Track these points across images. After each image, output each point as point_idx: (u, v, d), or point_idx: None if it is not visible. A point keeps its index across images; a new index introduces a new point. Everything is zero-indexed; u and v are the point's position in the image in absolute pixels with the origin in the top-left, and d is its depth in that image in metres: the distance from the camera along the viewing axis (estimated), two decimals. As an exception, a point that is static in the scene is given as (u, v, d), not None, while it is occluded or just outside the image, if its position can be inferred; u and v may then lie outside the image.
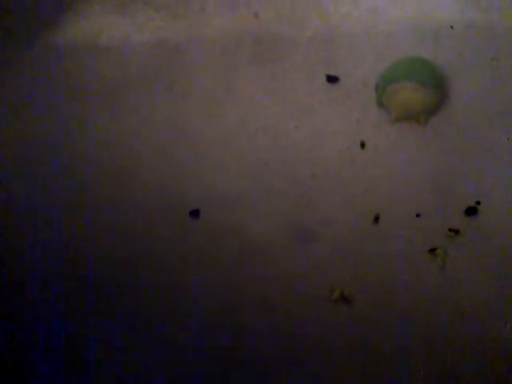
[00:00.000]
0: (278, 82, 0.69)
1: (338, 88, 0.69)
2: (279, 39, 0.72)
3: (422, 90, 0.62)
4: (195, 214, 0.64)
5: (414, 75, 0.62)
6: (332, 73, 0.69)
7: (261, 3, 0.74)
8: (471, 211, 0.60)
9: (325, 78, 0.69)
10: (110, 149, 0.68)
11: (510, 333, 0.56)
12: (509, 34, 0.68)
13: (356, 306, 0.59)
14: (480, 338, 0.56)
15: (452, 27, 0.70)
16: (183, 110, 0.69)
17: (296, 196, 0.64)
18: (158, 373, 0.59)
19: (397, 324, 0.57)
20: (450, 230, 0.60)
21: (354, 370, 0.57)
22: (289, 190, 0.64)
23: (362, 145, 0.65)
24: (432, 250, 0.59)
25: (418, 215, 0.61)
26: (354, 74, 0.69)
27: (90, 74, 0.71)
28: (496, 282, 0.58)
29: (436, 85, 0.63)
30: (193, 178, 0.66)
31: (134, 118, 0.70)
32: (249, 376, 0.58)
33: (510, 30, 0.69)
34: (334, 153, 0.65)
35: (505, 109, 0.64)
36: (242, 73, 0.70)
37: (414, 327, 0.57)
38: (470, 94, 0.66)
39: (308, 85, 0.69)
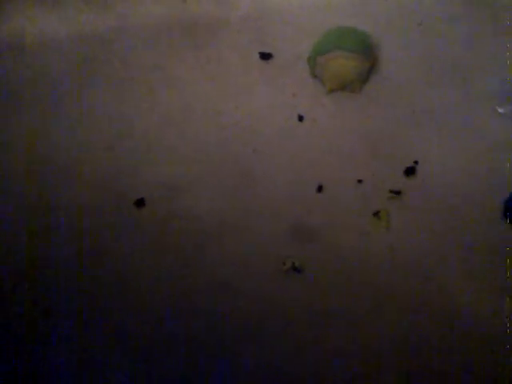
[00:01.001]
0: (213, 64, 0.69)
1: (273, 64, 0.69)
2: (210, 22, 0.71)
3: (353, 57, 0.63)
4: (140, 203, 0.64)
5: (344, 44, 0.63)
6: (265, 50, 0.69)
7: (189, -13, 0.74)
8: (410, 171, 0.62)
9: (258, 56, 0.69)
10: (45, 145, 0.66)
11: (452, 283, 0.58)
12: (434, 1, 0.71)
13: (307, 274, 0.60)
14: (427, 293, 0.58)
15: (377, -5, 0.71)
16: (121, 100, 0.68)
17: (240, 173, 0.64)
18: (115, 361, 0.59)
19: (347, 287, 0.59)
20: (391, 191, 0.61)
21: (311, 334, 0.58)
22: (233, 167, 0.64)
23: (300, 118, 0.66)
24: (376, 213, 0.61)
25: (359, 181, 0.63)
26: (286, 49, 0.69)
27: (17, 71, 0.70)
28: (438, 237, 0.59)
29: (366, 52, 0.64)
30: (136, 167, 0.65)
31: (71, 112, 0.68)
32: (209, 356, 0.58)
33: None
34: (273, 128, 0.66)
35: (433, 71, 0.66)
36: (177, 58, 0.69)
37: (364, 289, 0.58)
38: (399, 59, 0.67)
39: (243, 64, 0.69)
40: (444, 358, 0.56)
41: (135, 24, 0.72)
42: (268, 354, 0.57)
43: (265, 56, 0.69)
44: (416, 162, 0.62)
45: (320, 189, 0.63)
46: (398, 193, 0.61)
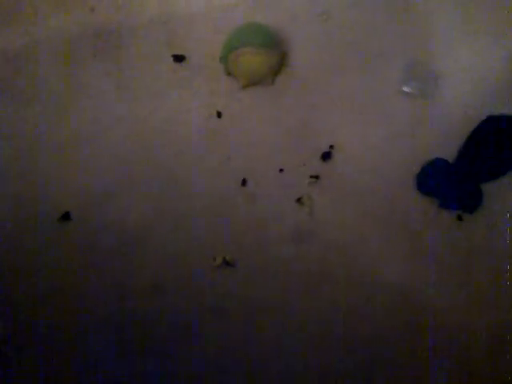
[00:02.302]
0: (125, 71, 0.69)
1: (186, 66, 0.70)
2: (119, 29, 0.71)
3: (261, 52, 0.65)
4: (66, 217, 0.63)
5: (251, 40, 0.65)
6: (177, 52, 0.70)
7: (96, -3, 0.74)
8: (327, 156, 0.64)
9: (171, 59, 0.70)
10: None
11: (374, 257, 0.61)
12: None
13: (239, 267, 0.61)
14: (354, 271, 0.60)
15: (281, -10, 0.73)
16: (32, 116, 0.67)
17: (164, 177, 0.65)
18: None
19: (277, 276, 0.60)
20: (311, 177, 0.64)
21: (248, 328, 0.59)
22: (156, 172, 0.65)
23: (219, 115, 0.67)
24: (298, 199, 0.63)
25: (281, 170, 0.64)
26: (198, 50, 0.70)
27: None
28: (358, 216, 0.62)
29: (273, 45, 0.66)
30: (57, 182, 0.65)
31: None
32: (144, 356, 0.58)
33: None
34: (193, 128, 0.67)
35: (340, 57, 0.69)
36: (88, 68, 0.69)
37: (293, 276, 0.60)
38: (307, 49, 0.69)
39: (156, 69, 0.69)
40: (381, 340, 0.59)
41: (44, 38, 0.71)
42: (204, 352, 0.58)
43: (178, 58, 0.70)
44: (331, 147, 0.65)
45: (244, 182, 0.64)
46: (316, 177, 0.63)
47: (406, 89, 0.66)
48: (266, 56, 0.65)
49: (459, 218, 0.60)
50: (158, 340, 0.59)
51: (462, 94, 0.66)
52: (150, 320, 0.59)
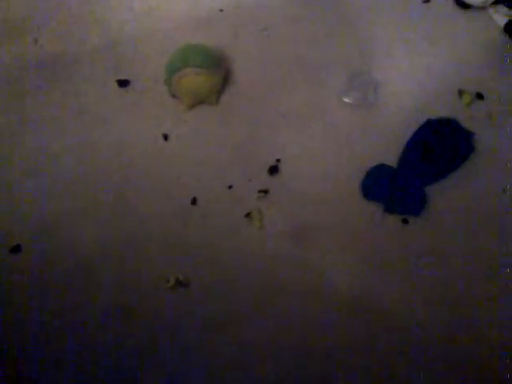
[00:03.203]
0: (71, 99, 0.70)
1: (131, 90, 0.70)
2: (63, 58, 0.72)
3: (202, 72, 0.66)
4: (16, 249, 0.63)
5: (191, 61, 0.66)
6: (122, 77, 0.71)
7: (39, 28, 0.74)
8: (274, 170, 0.65)
9: (116, 84, 0.70)
10: None
11: (325, 261, 0.61)
12: (274, 6, 0.75)
13: (193, 286, 0.61)
14: (306, 282, 0.60)
15: (222, 10, 0.75)
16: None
17: (115, 203, 0.65)
18: None
19: (231, 292, 0.60)
20: (259, 191, 0.64)
21: (204, 345, 0.59)
22: (107, 199, 0.65)
23: (165, 137, 0.68)
24: (248, 214, 0.63)
25: (230, 187, 0.65)
26: (143, 74, 0.71)
27: None
28: (307, 226, 0.63)
29: (215, 65, 0.67)
30: (6, 215, 0.64)
31: None
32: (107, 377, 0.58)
33: (274, 3, 0.75)
34: (140, 151, 0.67)
35: (284, 72, 0.71)
36: (33, 100, 0.69)
37: (247, 291, 0.60)
38: (248, 65, 0.71)
39: (101, 94, 0.70)
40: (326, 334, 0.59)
41: (-13, 71, 0.71)
42: (162, 372, 0.58)
43: (122, 83, 0.70)
44: (278, 160, 0.66)
45: (194, 201, 0.65)
46: (265, 191, 0.64)
47: (347, 99, 0.68)
48: (207, 75, 0.66)
49: (404, 222, 0.61)
50: (115, 362, 0.58)
51: (402, 100, 0.68)
52: (109, 344, 0.59)
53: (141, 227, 0.64)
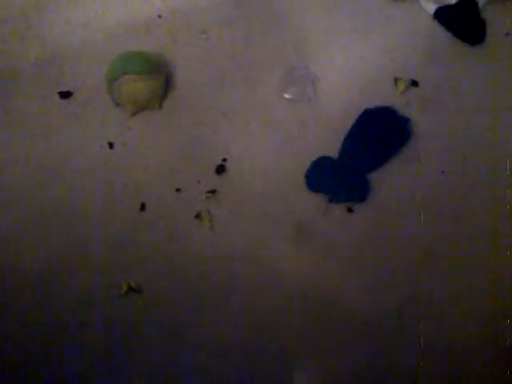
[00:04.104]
0: (14, 115, 0.69)
1: (74, 101, 0.70)
2: (3, 74, 0.71)
3: (142, 78, 0.66)
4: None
5: (129, 68, 0.66)
6: (63, 89, 0.70)
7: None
8: (220, 169, 0.66)
9: (58, 97, 0.70)
10: None
11: (275, 256, 0.62)
12: (210, 9, 0.76)
13: (146, 292, 0.61)
14: (259, 277, 0.61)
15: (160, 16, 0.75)
16: None
17: (62, 215, 0.64)
18: None
19: (185, 294, 0.61)
20: (207, 192, 0.65)
21: (164, 350, 0.59)
22: (54, 212, 0.64)
23: (111, 145, 0.68)
24: (197, 215, 0.64)
25: (178, 190, 0.65)
26: (84, 84, 0.71)
27: None
28: (256, 223, 0.64)
29: (154, 70, 0.68)
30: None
31: None
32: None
33: (213, 3, 0.76)
34: (86, 161, 0.67)
35: (222, 72, 0.71)
36: (-26, 117, 0.69)
37: (201, 292, 0.61)
38: (189, 68, 0.72)
39: (45, 108, 0.70)
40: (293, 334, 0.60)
41: None
42: (121, 378, 0.58)
43: (64, 95, 0.70)
44: (224, 160, 0.66)
45: (143, 207, 0.65)
46: (213, 192, 0.65)
47: (286, 95, 0.69)
48: (148, 81, 0.67)
49: (349, 210, 0.63)
50: (71, 376, 0.58)
51: (339, 92, 0.69)
52: (63, 357, 0.59)
53: (89, 237, 0.64)
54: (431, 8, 0.72)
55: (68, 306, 0.60)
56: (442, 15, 0.71)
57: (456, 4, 0.71)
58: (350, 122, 0.66)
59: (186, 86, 0.71)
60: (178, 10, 0.76)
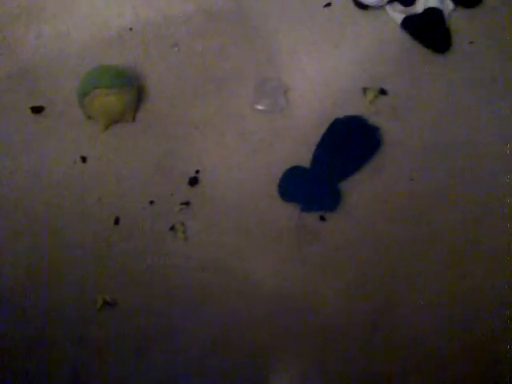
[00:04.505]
0: (-16, 131, 0.69)
1: (46, 116, 0.70)
2: (-26, 90, 0.72)
3: (113, 92, 0.66)
4: None
5: (100, 82, 0.66)
6: (35, 104, 0.70)
7: None
8: (193, 181, 0.66)
9: (30, 111, 0.70)
10: None
11: (249, 267, 0.63)
12: (182, 22, 0.76)
13: (122, 305, 0.61)
14: (232, 286, 0.62)
15: (131, 29, 0.76)
16: None
17: (36, 231, 0.64)
18: None
19: (160, 305, 0.61)
20: (181, 204, 0.65)
21: (137, 362, 0.59)
22: (28, 229, 0.64)
23: (84, 159, 0.68)
24: (172, 228, 0.64)
25: (151, 202, 0.66)
26: (57, 99, 0.71)
27: None
28: (230, 232, 0.64)
29: (125, 83, 0.68)
30: None
31: None
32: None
33: (185, 16, 0.77)
34: (59, 176, 0.67)
35: (195, 85, 0.72)
36: None
37: (175, 302, 0.61)
38: (162, 81, 0.72)
39: (16, 123, 0.70)
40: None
41: None
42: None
43: (36, 110, 0.70)
44: (197, 172, 0.67)
45: (117, 221, 0.65)
46: (187, 203, 0.65)
47: (259, 107, 0.69)
48: (119, 95, 0.67)
49: (322, 219, 0.64)
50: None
51: (311, 102, 0.70)
52: (40, 374, 0.59)
53: (64, 253, 0.64)
54: (399, 18, 0.73)
55: (42, 321, 0.60)
56: (409, 24, 0.72)
57: (422, 13, 0.72)
58: (322, 131, 0.67)
59: (158, 99, 0.71)
60: (150, 23, 0.76)
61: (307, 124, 0.68)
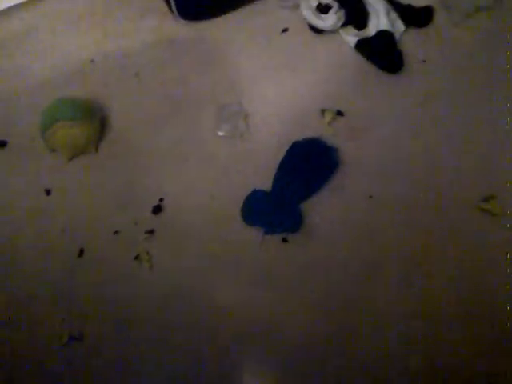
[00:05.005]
0: None
1: (9, 150, 0.71)
2: None
3: (75, 124, 0.67)
4: None
5: (61, 115, 0.67)
6: (-1, 142, 0.71)
7: None
8: (157, 209, 0.67)
9: (-8, 147, 0.71)
10: None
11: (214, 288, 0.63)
12: (142, 53, 0.78)
13: (88, 338, 0.61)
14: (196, 313, 0.62)
15: (92, 61, 0.77)
16: None
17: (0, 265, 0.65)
18: None
19: (126, 335, 0.61)
20: (145, 232, 0.66)
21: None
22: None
23: (48, 192, 0.69)
24: (136, 257, 0.65)
25: (116, 232, 0.66)
26: (19, 133, 0.72)
27: None
28: (195, 257, 0.65)
29: (87, 115, 0.69)
30: None
31: None
32: None
33: (145, 46, 0.78)
34: (23, 210, 0.67)
35: (157, 113, 0.73)
36: None
37: (141, 332, 0.61)
38: (124, 111, 0.73)
39: (-22, 159, 0.70)
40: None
41: None
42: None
43: (-1, 144, 0.71)
44: (161, 200, 0.68)
45: (81, 252, 0.65)
46: (151, 232, 0.66)
47: (220, 132, 0.71)
48: (82, 127, 0.68)
49: (284, 240, 0.65)
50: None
51: (271, 126, 0.71)
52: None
53: (27, 288, 0.64)
54: (352, 41, 0.76)
55: (4, 360, 0.60)
56: (363, 47, 0.74)
57: (374, 36, 0.75)
58: (282, 154, 0.68)
59: (121, 129, 0.72)
60: (111, 55, 0.77)
61: (268, 147, 0.70)
